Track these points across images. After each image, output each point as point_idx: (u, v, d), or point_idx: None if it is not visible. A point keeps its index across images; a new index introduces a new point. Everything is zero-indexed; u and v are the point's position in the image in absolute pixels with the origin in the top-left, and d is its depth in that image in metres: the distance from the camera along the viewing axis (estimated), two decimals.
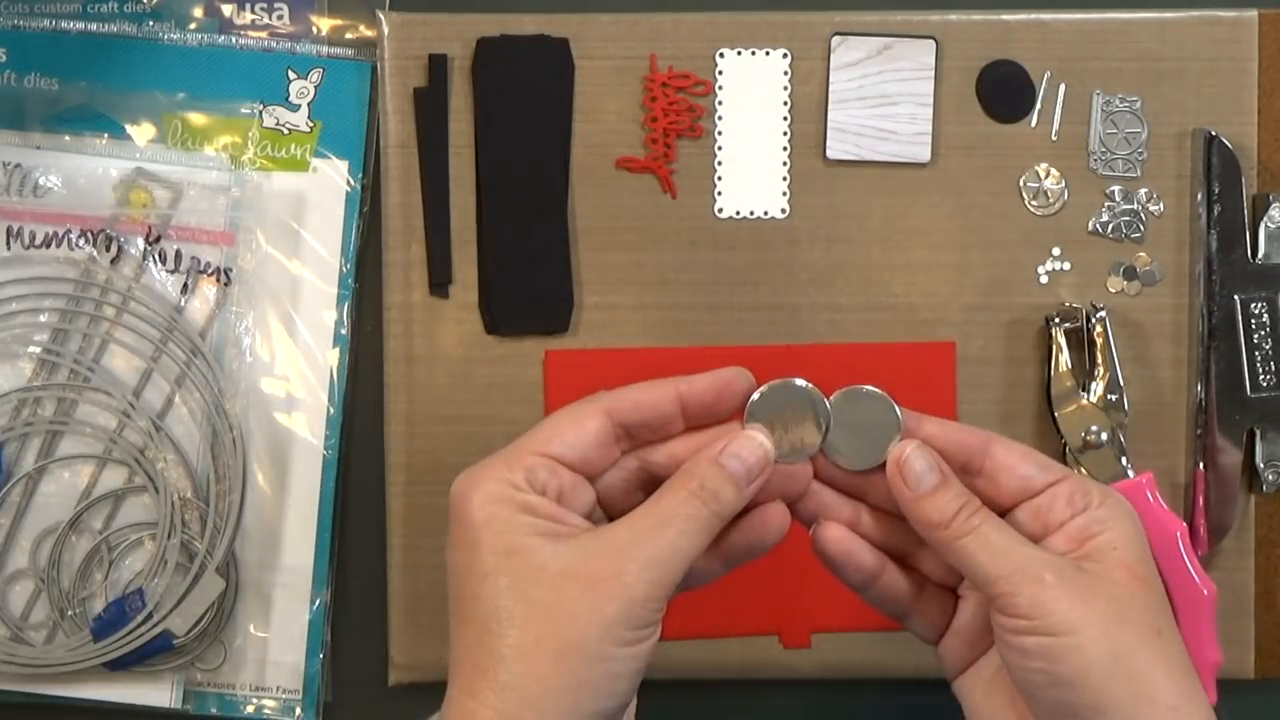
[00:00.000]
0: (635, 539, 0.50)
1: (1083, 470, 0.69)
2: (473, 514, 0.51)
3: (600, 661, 0.49)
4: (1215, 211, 0.68)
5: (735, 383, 0.53)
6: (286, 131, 0.72)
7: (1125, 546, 0.52)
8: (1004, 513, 0.54)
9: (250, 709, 0.71)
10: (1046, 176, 0.70)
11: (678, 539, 0.51)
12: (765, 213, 0.70)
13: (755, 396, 0.53)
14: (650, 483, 0.54)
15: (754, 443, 0.52)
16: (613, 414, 0.52)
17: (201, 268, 0.71)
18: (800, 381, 0.54)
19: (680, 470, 0.52)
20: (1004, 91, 0.70)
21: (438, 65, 0.70)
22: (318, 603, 0.71)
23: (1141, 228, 0.70)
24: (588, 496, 0.53)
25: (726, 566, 0.55)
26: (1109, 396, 0.69)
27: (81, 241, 0.71)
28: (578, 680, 0.49)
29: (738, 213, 0.70)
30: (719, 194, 0.70)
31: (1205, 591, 0.68)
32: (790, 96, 0.70)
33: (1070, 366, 0.69)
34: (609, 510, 0.55)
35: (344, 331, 0.72)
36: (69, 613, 0.70)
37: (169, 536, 0.70)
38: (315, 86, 0.72)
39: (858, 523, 0.56)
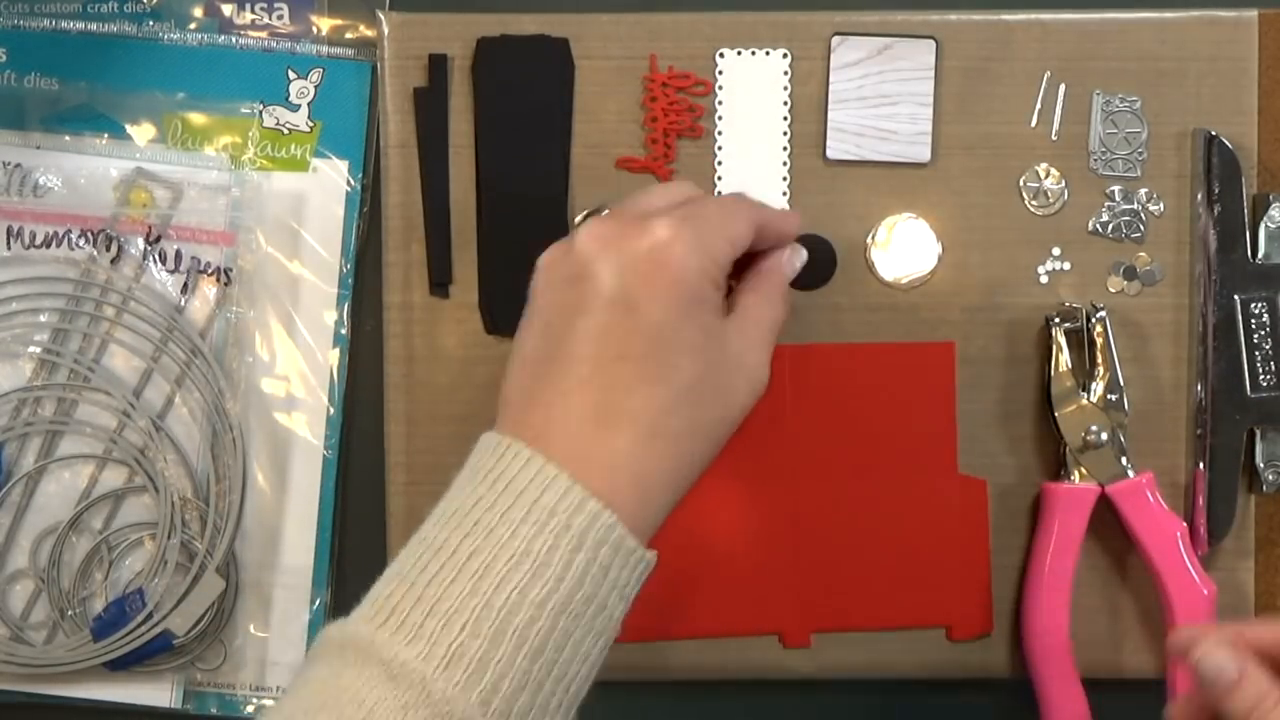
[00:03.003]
0: (761, 334, 0.58)
1: (1083, 470, 0.69)
2: (691, 281, 0.54)
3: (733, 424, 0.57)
4: (1215, 211, 0.68)
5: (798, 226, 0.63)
6: (286, 131, 0.72)
7: None
8: None
9: (250, 709, 0.71)
10: (1046, 176, 0.70)
11: (777, 328, 0.60)
12: None
13: None
14: None
15: (799, 257, 0.63)
16: (757, 229, 0.59)
17: (201, 268, 0.71)
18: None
19: (767, 271, 0.61)
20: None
21: (438, 65, 0.70)
22: (318, 603, 0.71)
23: (1141, 228, 0.70)
24: None
25: None
26: (1109, 396, 0.69)
27: (81, 241, 0.71)
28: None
29: None
30: (719, 194, 0.70)
31: (1205, 591, 0.68)
32: (790, 96, 0.70)
33: (1070, 366, 0.69)
34: None
35: (344, 331, 0.72)
36: (69, 613, 0.70)
37: (169, 536, 0.70)
38: (315, 86, 0.72)
39: None
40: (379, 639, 0.47)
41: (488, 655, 0.47)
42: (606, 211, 0.59)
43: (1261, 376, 0.68)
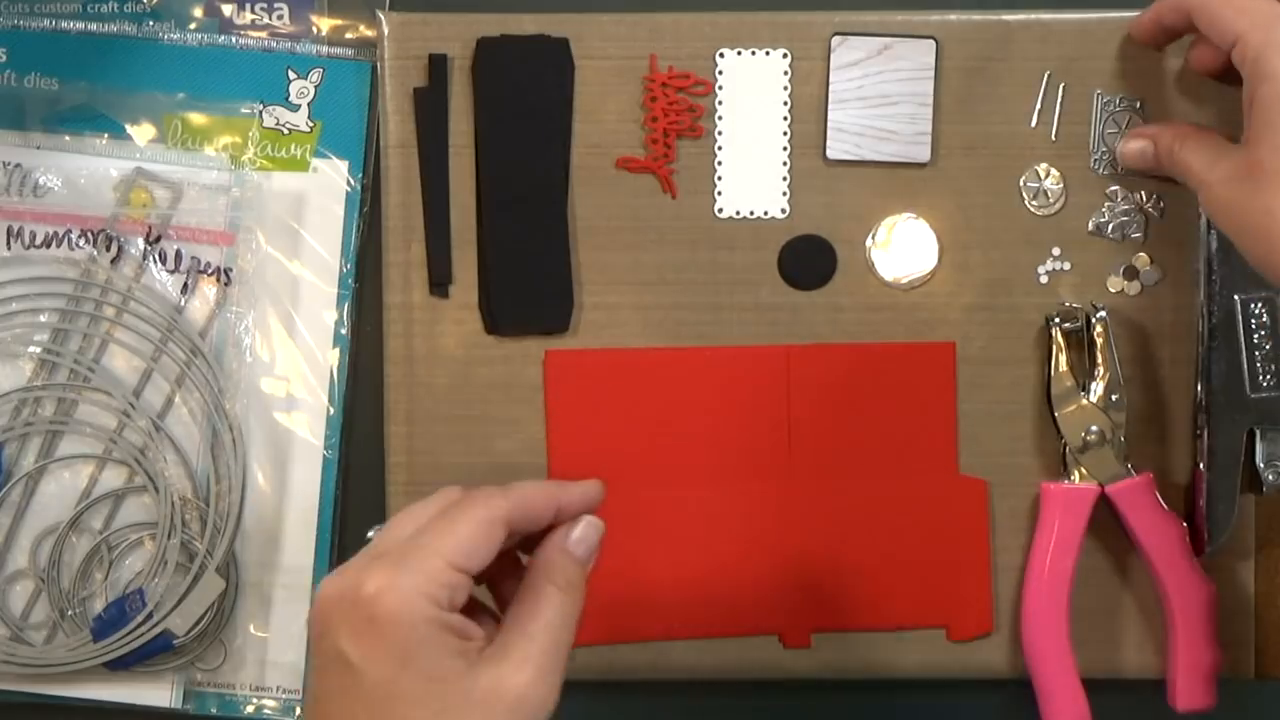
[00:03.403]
0: (537, 649, 0.52)
1: (1083, 470, 0.69)
2: (401, 632, 0.50)
3: None
4: None
5: (599, 496, 0.59)
6: (286, 131, 0.72)
7: None
8: None
9: (250, 709, 0.71)
10: (1046, 176, 0.70)
11: (563, 634, 0.54)
12: (765, 213, 0.70)
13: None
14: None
15: (593, 527, 0.58)
16: (509, 523, 0.54)
17: (201, 268, 0.71)
18: None
19: (543, 566, 0.55)
20: (800, 262, 0.70)
21: (438, 65, 0.70)
22: None
23: (1141, 228, 0.70)
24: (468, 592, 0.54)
25: None
26: (1109, 396, 0.69)
27: (81, 241, 0.71)
28: None
29: (738, 213, 0.70)
30: (719, 194, 0.70)
31: (1205, 591, 0.68)
32: (790, 96, 0.70)
33: (1070, 366, 0.69)
34: None
35: (344, 331, 0.72)
36: (69, 613, 0.70)
37: (169, 536, 0.70)
38: (315, 86, 0.72)
39: None
40: None
41: None
42: (372, 535, 0.56)
43: (1261, 376, 0.68)
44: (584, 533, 0.57)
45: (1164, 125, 0.67)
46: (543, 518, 0.56)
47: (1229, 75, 0.63)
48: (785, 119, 0.70)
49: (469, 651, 0.51)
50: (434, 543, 0.52)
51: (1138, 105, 0.70)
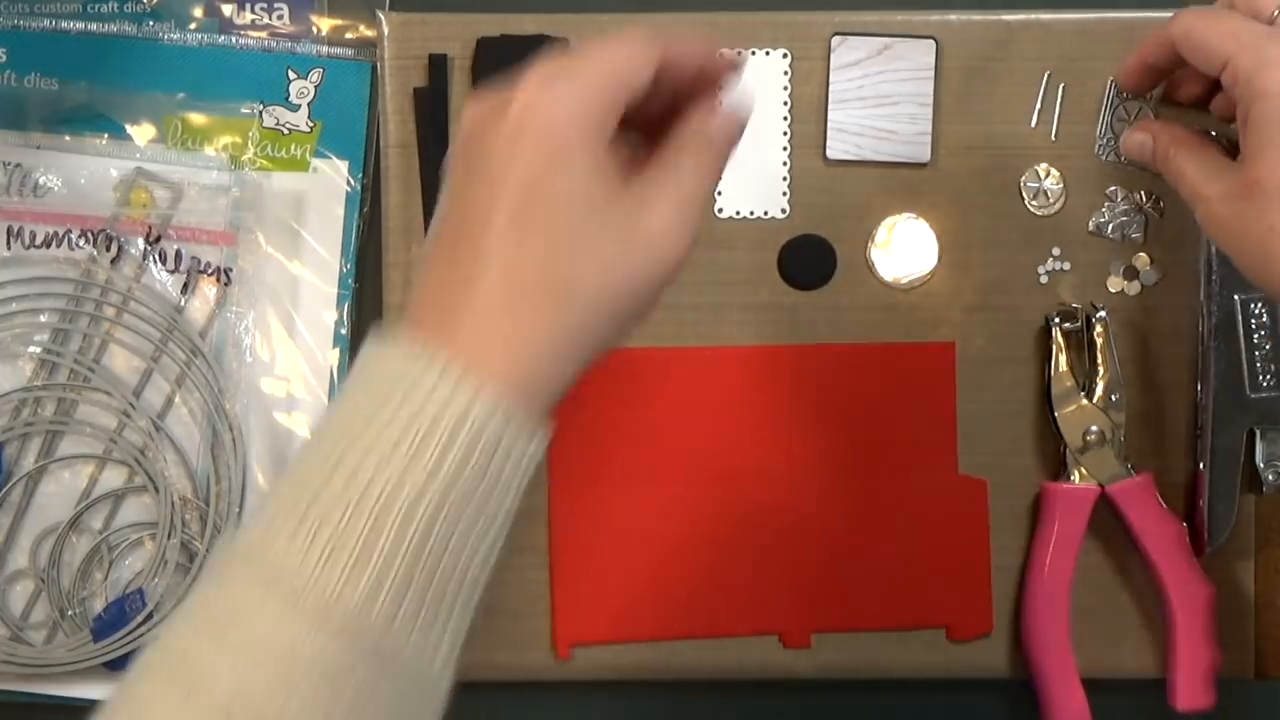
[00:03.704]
0: (682, 194, 0.51)
1: (1083, 470, 0.69)
2: (553, 139, 0.48)
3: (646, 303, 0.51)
4: None
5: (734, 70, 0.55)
6: (286, 131, 0.72)
7: None
8: None
9: None
10: (1046, 176, 0.70)
11: (706, 187, 0.52)
12: (765, 213, 0.70)
13: None
14: None
15: (747, 95, 0.55)
16: (663, 54, 0.51)
17: (201, 268, 0.71)
18: None
19: (696, 122, 0.53)
20: (800, 262, 0.70)
21: (438, 65, 0.70)
22: None
23: (1141, 228, 0.70)
24: None
25: None
26: (1109, 396, 0.69)
27: (81, 241, 0.71)
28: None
29: (738, 213, 0.70)
30: (719, 194, 0.70)
31: (1205, 591, 0.68)
32: (790, 96, 0.70)
33: (1070, 366, 0.69)
34: None
35: (344, 331, 0.72)
36: (69, 613, 0.70)
37: (169, 536, 0.70)
38: (315, 86, 0.72)
39: None
40: (258, 543, 0.45)
41: (368, 548, 0.45)
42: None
43: (1261, 376, 0.68)
44: (739, 100, 0.55)
45: (1164, 126, 0.67)
46: (689, 66, 0.53)
47: (1209, 102, 0.65)
48: (785, 119, 0.70)
49: (612, 181, 0.49)
50: (588, 61, 0.50)
51: (1149, 97, 0.69)
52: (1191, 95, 0.67)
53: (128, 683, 0.45)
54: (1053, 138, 0.70)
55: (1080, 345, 0.69)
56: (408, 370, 0.47)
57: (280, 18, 0.72)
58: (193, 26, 0.72)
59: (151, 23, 0.72)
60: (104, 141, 0.72)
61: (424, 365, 0.46)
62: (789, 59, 0.70)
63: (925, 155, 0.70)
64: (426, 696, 0.47)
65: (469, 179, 0.49)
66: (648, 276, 0.50)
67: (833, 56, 0.70)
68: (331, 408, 0.49)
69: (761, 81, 0.70)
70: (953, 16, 0.70)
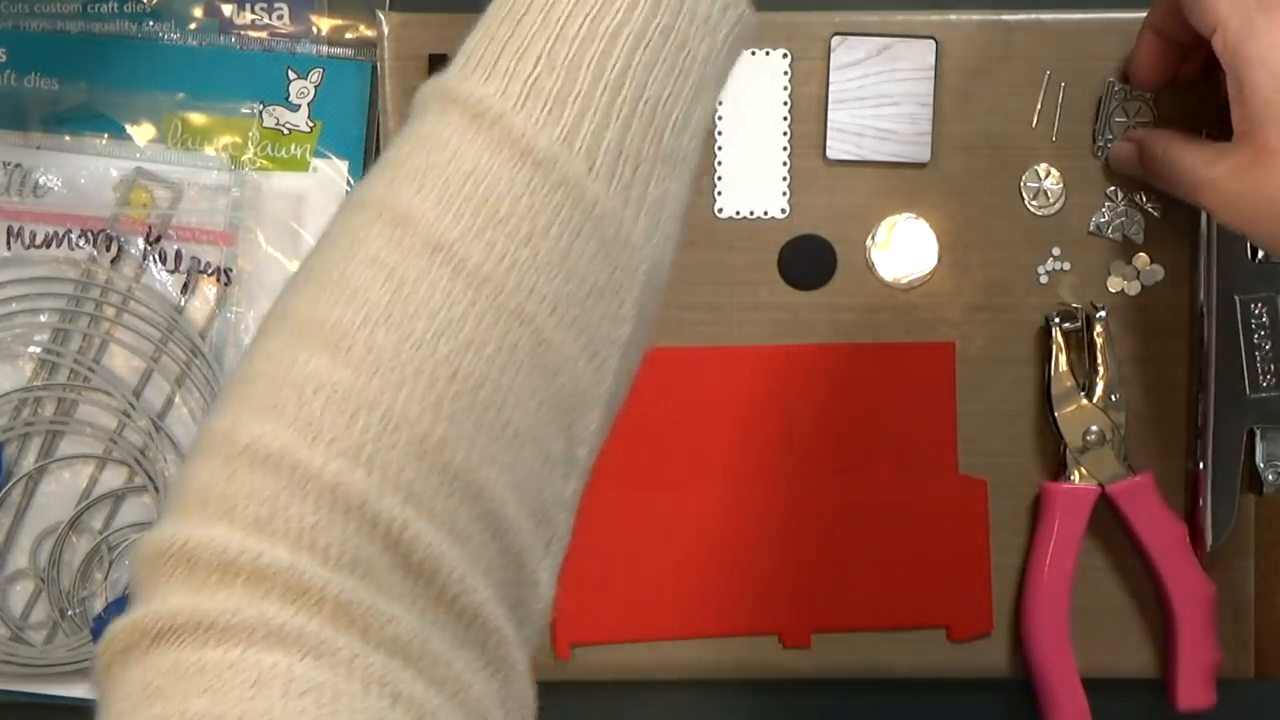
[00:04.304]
0: None
1: (1083, 470, 0.69)
2: None
3: None
4: None
5: None
6: (286, 131, 0.72)
7: None
8: None
9: None
10: (1046, 176, 0.70)
11: None
12: (765, 213, 0.70)
13: None
14: None
15: None
16: None
17: (201, 268, 0.71)
18: None
19: None
20: (800, 262, 0.70)
21: (438, 65, 0.70)
22: None
23: (1141, 228, 0.70)
24: None
25: None
26: (1109, 396, 0.69)
27: (81, 241, 0.71)
28: None
29: (738, 213, 0.70)
30: (719, 194, 0.70)
31: (1205, 591, 0.68)
32: (790, 96, 0.70)
33: (1070, 366, 0.69)
34: None
35: None
36: (69, 613, 0.70)
37: None
38: (315, 86, 0.72)
39: None
40: (456, 81, 0.45)
41: (564, 90, 0.44)
42: None
43: (1261, 376, 0.68)
44: None
45: (1153, 130, 0.67)
46: None
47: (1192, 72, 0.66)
48: (785, 119, 0.70)
49: None
50: None
51: (1148, 96, 0.69)
52: (1192, 71, 0.66)
53: (335, 220, 0.44)
54: (1053, 138, 0.70)
55: (1080, 345, 0.69)
56: None
57: (280, 18, 0.72)
58: (193, 26, 0.72)
59: (151, 23, 0.72)
60: (104, 141, 0.72)
61: None
62: (789, 59, 0.70)
63: (925, 155, 0.70)
64: (628, 269, 0.46)
65: None
66: None
67: (833, 56, 0.70)
68: None
69: (761, 81, 0.70)
70: (953, 16, 0.70)
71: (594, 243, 0.44)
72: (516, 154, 0.43)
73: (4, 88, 0.71)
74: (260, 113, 0.72)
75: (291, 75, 0.72)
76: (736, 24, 0.49)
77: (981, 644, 0.71)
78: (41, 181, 0.71)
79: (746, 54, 0.70)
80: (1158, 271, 0.70)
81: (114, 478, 0.71)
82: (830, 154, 0.70)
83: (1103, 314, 0.69)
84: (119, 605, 0.69)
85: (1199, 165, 0.62)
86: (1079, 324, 0.69)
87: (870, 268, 0.70)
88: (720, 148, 0.70)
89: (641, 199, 0.45)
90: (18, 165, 0.71)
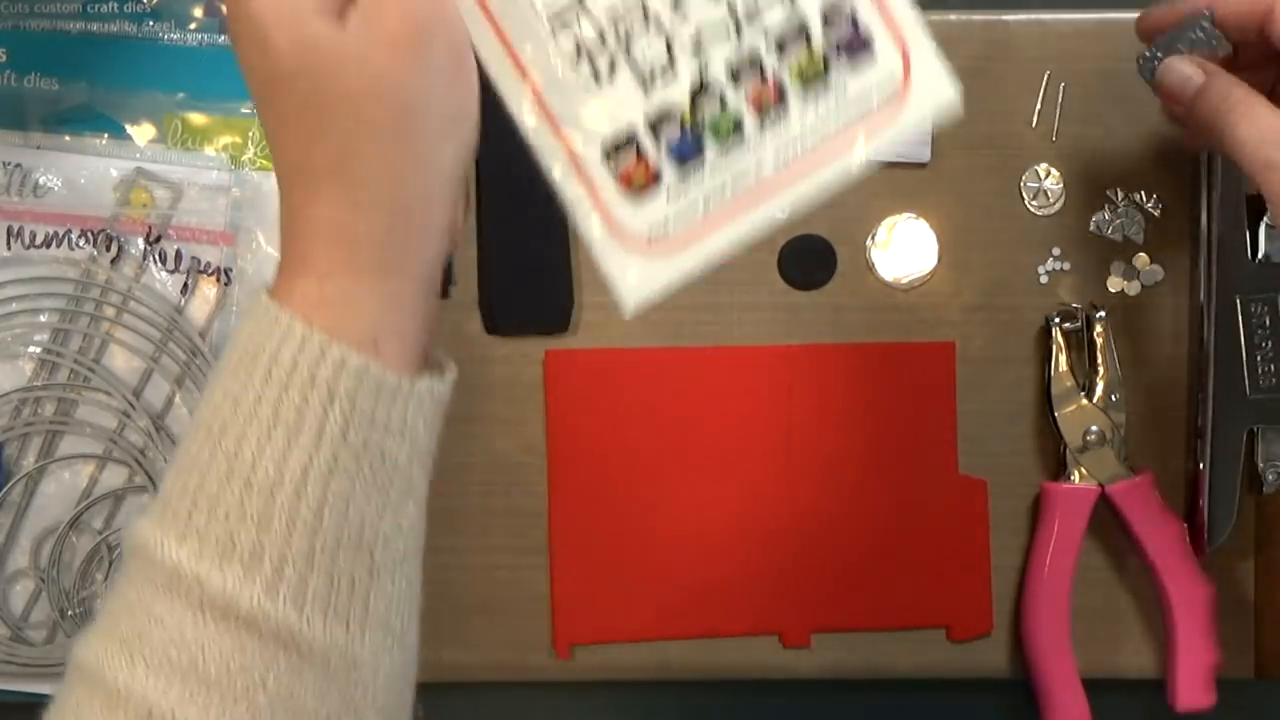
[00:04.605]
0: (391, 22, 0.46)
1: (1083, 470, 0.69)
2: (254, 9, 0.44)
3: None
4: (1215, 211, 0.68)
5: None
6: None
7: None
8: None
9: None
10: (1046, 176, 0.70)
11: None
12: None
13: None
14: None
15: None
16: None
17: (201, 268, 0.71)
18: None
19: None
20: (800, 262, 0.70)
21: None
22: None
23: (1141, 228, 0.70)
24: None
25: None
26: (1109, 396, 0.69)
27: (82, 241, 0.71)
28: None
29: None
30: None
31: (1204, 592, 0.68)
32: None
33: (1070, 366, 0.69)
34: None
35: None
36: (69, 613, 0.70)
37: None
38: None
39: None
40: (154, 542, 0.44)
41: (260, 542, 0.43)
42: None
43: (1261, 376, 0.68)
44: None
45: (1220, 73, 0.57)
46: None
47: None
48: None
49: (338, 6, 0.45)
50: None
51: (1230, 35, 0.59)
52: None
53: (60, 691, 0.44)
54: (1053, 138, 0.70)
55: (1080, 345, 0.69)
56: (279, 335, 0.45)
57: None
58: (193, 26, 0.72)
59: (151, 23, 0.72)
60: (104, 141, 0.72)
61: (299, 337, 0.45)
62: None
63: (925, 155, 0.70)
64: (362, 684, 0.45)
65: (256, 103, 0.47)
66: (436, 128, 0.48)
67: None
68: (210, 382, 0.46)
69: None
70: (953, 16, 0.70)
71: (318, 679, 0.44)
72: (218, 615, 0.43)
73: (4, 88, 0.71)
74: None
75: None
76: (430, 400, 0.47)
77: (981, 644, 0.71)
78: (41, 181, 0.71)
79: None
80: (1158, 271, 0.70)
81: (114, 478, 0.71)
82: None
83: (1102, 314, 0.69)
84: None
85: (1267, 140, 0.54)
86: (1079, 324, 0.69)
87: (870, 268, 0.70)
88: None
89: (364, 616, 0.45)
90: (18, 165, 0.71)
